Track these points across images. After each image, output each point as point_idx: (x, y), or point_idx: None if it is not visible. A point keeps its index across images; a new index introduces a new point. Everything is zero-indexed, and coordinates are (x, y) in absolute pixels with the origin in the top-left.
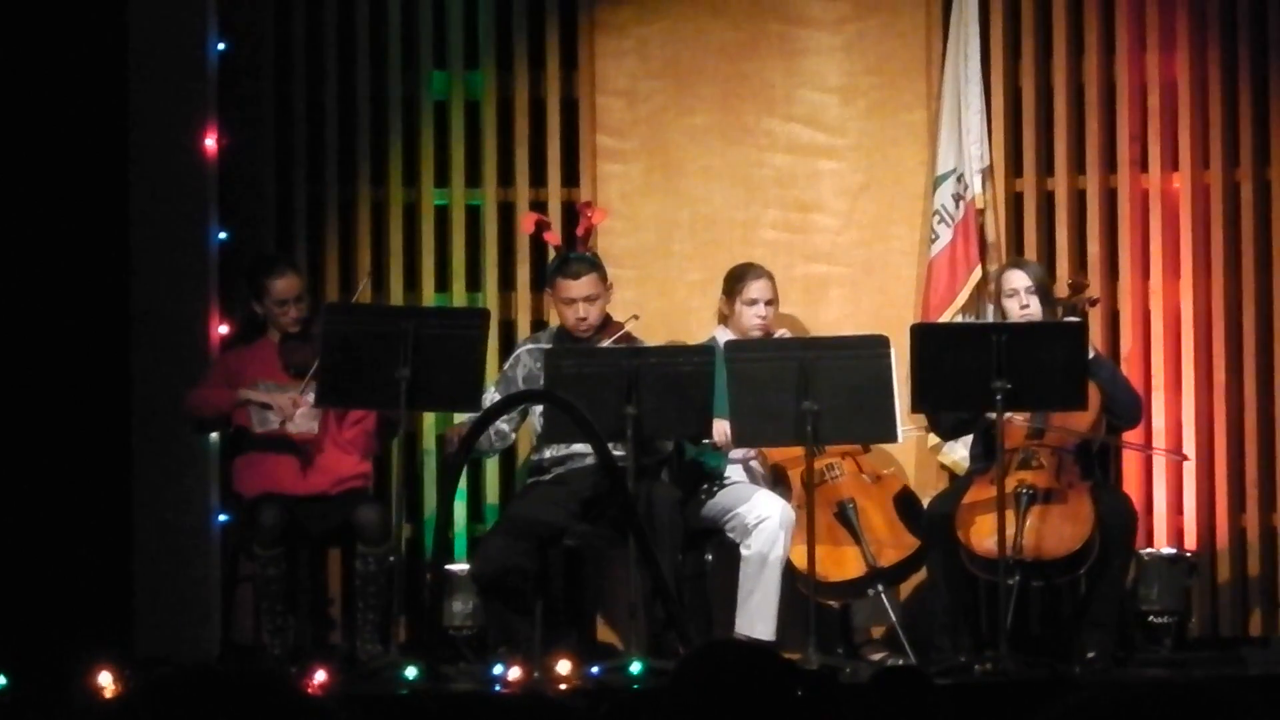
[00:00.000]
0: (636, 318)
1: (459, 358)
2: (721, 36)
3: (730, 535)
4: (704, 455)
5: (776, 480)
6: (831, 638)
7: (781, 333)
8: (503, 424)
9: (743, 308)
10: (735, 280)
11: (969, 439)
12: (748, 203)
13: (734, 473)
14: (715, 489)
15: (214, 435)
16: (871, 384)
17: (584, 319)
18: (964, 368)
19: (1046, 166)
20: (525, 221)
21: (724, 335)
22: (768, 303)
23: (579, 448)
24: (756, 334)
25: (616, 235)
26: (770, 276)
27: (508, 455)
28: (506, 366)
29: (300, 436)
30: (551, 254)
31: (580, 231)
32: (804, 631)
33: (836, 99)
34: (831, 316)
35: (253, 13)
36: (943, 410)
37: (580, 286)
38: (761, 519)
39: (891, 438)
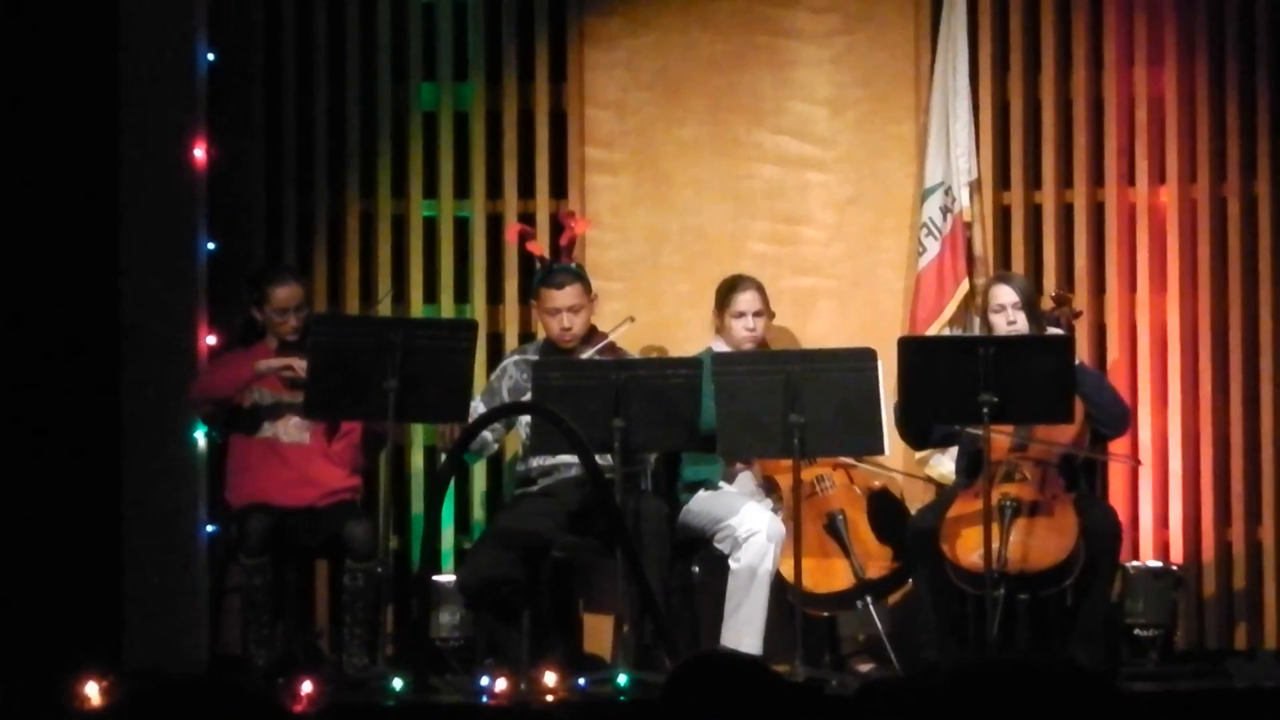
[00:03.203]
0: (632, 320)
1: (447, 369)
2: (711, 49)
3: (719, 547)
4: (692, 468)
5: (768, 490)
6: (819, 649)
7: None
8: (486, 432)
9: (731, 321)
10: (724, 293)
11: (954, 451)
12: (736, 215)
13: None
14: (704, 490)
15: (202, 445)
16: (859, 397)
17: (568, 329)
18: (951, 381)
19: (1034, 180)
20: (509, 232)
21: (720, 347)
22: (756, 314)
23: (565, 458)
24: (748, 346)
25: (605, 247)
26: (759, 287)
27: (494, 467)
28: (493, 377)
29: (291, 446)
30: (538, 265)
31: (564, 241)
32: (791, 643)
33: (825, 111)
34: (819, 329)
35: (243, 24)
36: (929, 424)
37: (564, 296)
38: (751, 533)
39: (879, 450)
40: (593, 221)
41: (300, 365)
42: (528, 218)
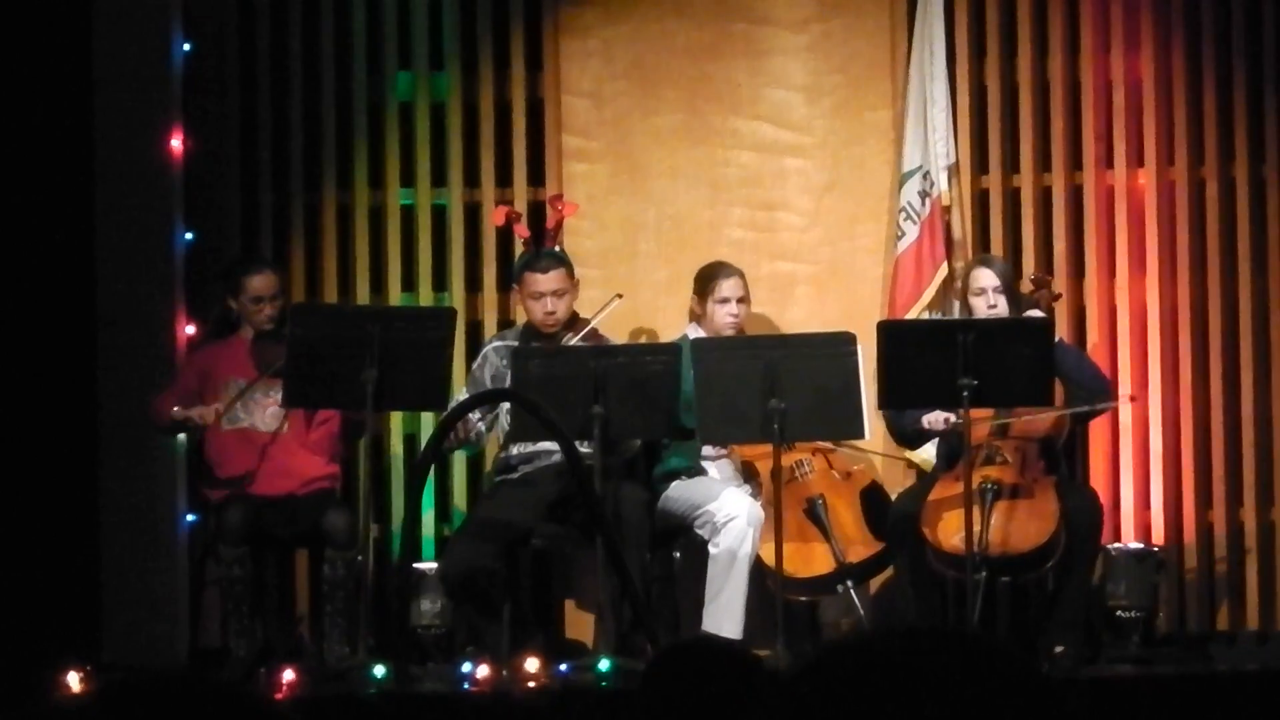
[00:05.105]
0: (620, 296)
1: (425, 358)
2: (687, 37)
3: (699, 532)
4: (676, 457)
5: (747, 476)
6: (800, 634)
7: None
8: (480, 425)
9: (715, 307)
10: (706, 280)
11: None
12: (713, 202)
13: (707, 465)
14: (683, 477)
15: (181, 436)
16: (839, 382)
17: (551, 313)
18: (931, 365)
19: (1012, 164)
20: (496, 214)
21: (696, 333)
22: (739, 300)
23: (546, 445)
24: (729, 333)
25: (583, 236)
26: (741, 274)
27: (475, 456)
28: (475, 367)
29: (268, 436)
30: (519, 250)
31: (551, 225)
32: (772, 628)
33: (802, 98)
34: (798, 315)
35: (217, 14)
36: (908, 408)
37: (548, 281)
38: (730, 517)
39: (859, 435)
40: (576, 204)
41: (200, 414)
42: (505, 206)
